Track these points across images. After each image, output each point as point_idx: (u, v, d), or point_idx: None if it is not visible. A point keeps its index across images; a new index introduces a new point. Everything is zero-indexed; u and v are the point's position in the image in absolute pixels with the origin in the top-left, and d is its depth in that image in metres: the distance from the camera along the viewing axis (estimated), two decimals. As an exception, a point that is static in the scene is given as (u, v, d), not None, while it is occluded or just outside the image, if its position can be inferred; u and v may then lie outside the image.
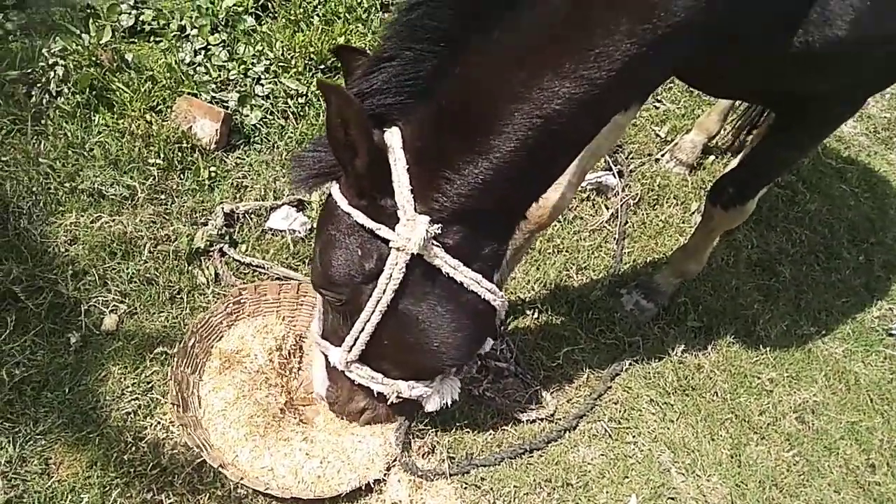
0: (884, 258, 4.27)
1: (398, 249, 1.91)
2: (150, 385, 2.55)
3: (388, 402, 2.37)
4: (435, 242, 1.93)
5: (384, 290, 1.97)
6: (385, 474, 2.49)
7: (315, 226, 2.09)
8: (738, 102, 4.28)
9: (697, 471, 2.73)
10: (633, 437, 2.80)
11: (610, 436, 2.78)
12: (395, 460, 2.54)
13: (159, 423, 2.47)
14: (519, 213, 2.14)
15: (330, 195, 2.01)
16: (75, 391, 2.46)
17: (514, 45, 1.72)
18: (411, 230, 1.86)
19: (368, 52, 2.08)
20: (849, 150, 5.13)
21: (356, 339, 2.11)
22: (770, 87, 2.49)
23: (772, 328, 3.48)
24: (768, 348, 3.36)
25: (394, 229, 1.90)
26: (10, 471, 2.24)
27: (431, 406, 2.42)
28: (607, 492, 2.60)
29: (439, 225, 1.89)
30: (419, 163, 1.84)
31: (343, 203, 1.94)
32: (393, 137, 1.84)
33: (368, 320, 2.05)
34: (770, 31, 2.01)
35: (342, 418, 2.56)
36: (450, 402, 2.47)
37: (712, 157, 4.48)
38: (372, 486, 2.47)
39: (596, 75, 1.70)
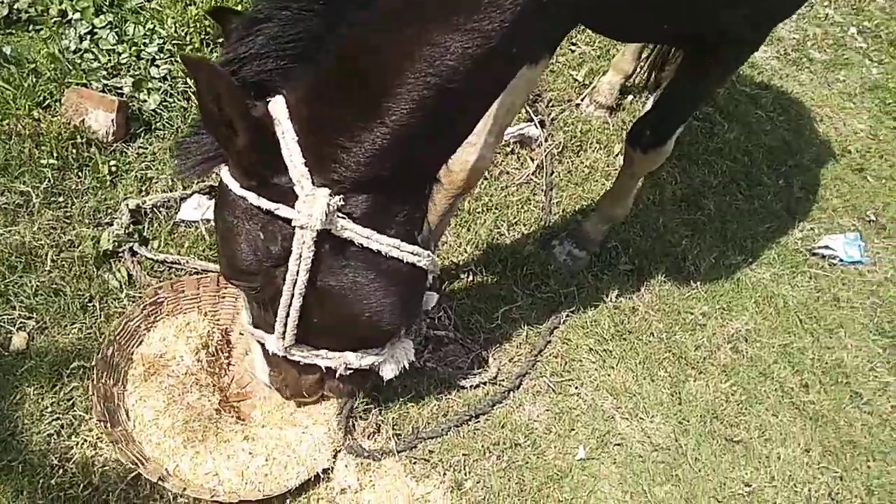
0: (802, 179, 4.38)
1: (302, 227, 1.78)
2: (70, 402, 2.42)
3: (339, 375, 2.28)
4: (340, 214, 1.81)
5: (297, 272, 1.86)
6: (333, 462, 2.44)
7: (214, 214, 1.94)
8: (650, 40, 4.26)
9: (640, 413, 2.77)
10: (576, 388, 2.81)
11: (553, 390, 2.79)
12: (341, 445, 2.49)
13: (85, 440, 2.34)
14: (429, 176, 2.04)
15: (221, 180, 1.84)
16: (-11, 419, 2.31)
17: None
18: (311, 205, 1.73)
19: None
20: (761, 75, 5.20)
21: (285, 325, 2.00)
22: (674, 27, 2.45)
23: (701, 262, 3.54)
24: (699, 282, 3.41)
25: (293, 207, 1.76)
26: (-75, 513, 2.09)
27: (388, 372, 2.35)
28: (555, 447, 2.62)
29: (341, 196, 1.78)
30: (310, 132, 1.71)
31: (235, 186, 1.78)
32: (277, 107, 1.68)
33: (290, 304, 1.93)
34: None
35: (298, 399, 2.47)
36: (406, 365, 2.40)
37: (631, 97, 4.47)
38: (320, 474, 2.42)
39: (488, 27, 1.60)
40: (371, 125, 1.69)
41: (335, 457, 2.47)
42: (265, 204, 1.77)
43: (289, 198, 1.76)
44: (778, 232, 3.96)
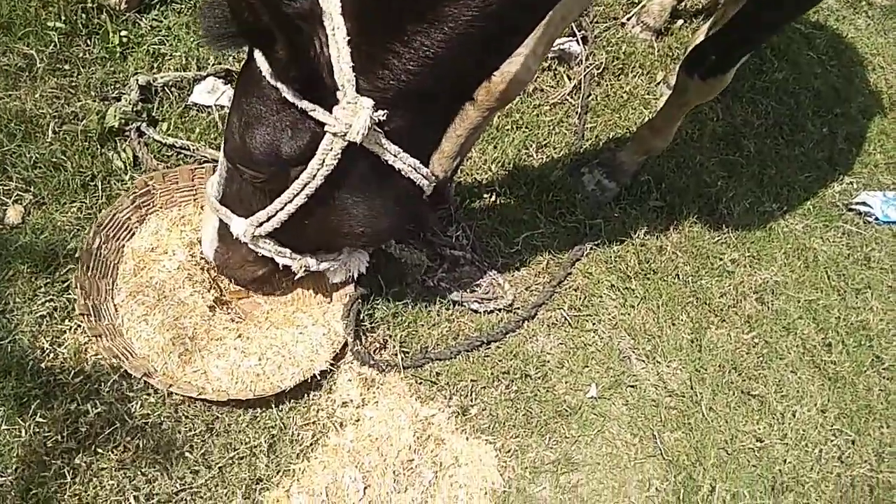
0: (847, 130, 4.14)
1: (335, 135, 1.65)
2: (65, 285, 2.29)
3: (296, 277, 2.23)
4: (377, 129, 1.68)
5: (314, 176, 1.74)
6: (331, 365, 2.33)
7: (238, 92, 1.75)
8: (710, -40, 3.94)
9: (658, 357, 2.66)
10: (593, 324, 2.69)
11: (570, 324, 2.67)
12: (343, 349, 2.39)
13: (79, 326, 2.23)
14: (468, 94, 1.90)
15: (252, 60, 1.66)
16: (-21, 297, 2.19)
17: None
18: (352, 115, 1.60)
19: None
20: (817, 14, 4.85)
21: (271, 218, 1.90)
22: None
23: (734, 206, 3.36)
24: (730, 227, 3.24)
25: (331, 111, 1.62)
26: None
27: (337, 278, 2.34)
28: (566, 382, 2.52)
29: (384, 111, 1.64)
30: (361, 32, 1.53)
31: (269, 74, 1.61)
32: (329, 1, 1.50)
33: (291, 202, 1.83)
34: None
35: (230, 280, 2.41)
36: (356, 276, 2.37)
37: (681, 22, 4.16)
38: (321, 384, 2.33)
39: None
40: (429, 30, 1.53)
41: (335, 360, 2.36)
42: (301, 102, 1.62)
43: (327, 100, 1.62)
44: (816, 182, 3.76)
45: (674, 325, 2.77)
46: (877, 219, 3.69)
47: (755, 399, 2.64)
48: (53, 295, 2.25)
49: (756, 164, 3.67)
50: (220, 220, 2.10)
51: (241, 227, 1.99)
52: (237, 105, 1.77)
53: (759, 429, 2.57)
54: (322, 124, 1.65)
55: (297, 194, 1.80)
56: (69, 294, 2.28)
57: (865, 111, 4.34)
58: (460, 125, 2.85)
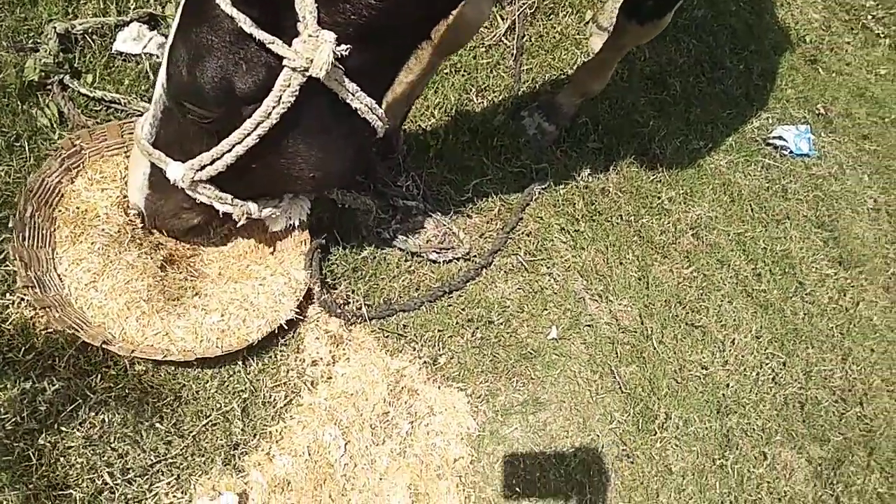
0: (761, 66, 4.33)
1: (294, 70, 1.57)
2: (2, 255, 2.12)
3: (237, 225, 2.10)
4: (337, 64, 1.60)
5: (268, 114, 1.65)
6: (297, 315, 2.29)
7: (182, 24, 1.62)
8: None
9: (609, 296, 2.77)
10: (548, 268, 2.76)
11: (526, 269, 2.73)
12: (306, 298, 2.35)
13: (23, 299, 2.08)
14: (426, 33, 1.86)
15: None
16: None
17: None
18: (313, 49, 1.52)
19: None
20: (729, -49, 4.99)
21: (215, 160, 1.78)
22: None
23: (666, 145, 3.48)
24: (664, 166, 3.37)
25: (290, 45, 1.54)
26: None
27: (277, 226, 2.25)
28: (528, 326, 2.59)
29: (347, 46, 1.57)
30: None
31: (224, 2, 1.50)
32: None
33: (240, 143, 1.72)
34: None
35: (161, 231, 2.27)
36: (296, 223, 2.29)
37: (607, -39, 4.18)
38: (288, 344, 2.29)
39: None
40: None
41: (300, 311, 2.32)
42: (258, 33, 1.52)
43: (286, 32, 1.53)
44: (736, 119, 3.94)
45: (622, 264, 2.88)
46: (791, 152, 3.93)
47: (698, 330, 2.82)
48: (-11, 267, 2.09)
49: (682, 102, 3.80)
50: (152, 166, 1.93)
51: (178, 171, 1.83)
52: (183, 36, 1.63)
53: (704, 357, 2.75)
54: (280, 58, 1.56)
55: (248, 134, 1.70)
56: (7, 266, 2.11)
57: (776, 47, 4.55)
58: (414, 68, 2.79)
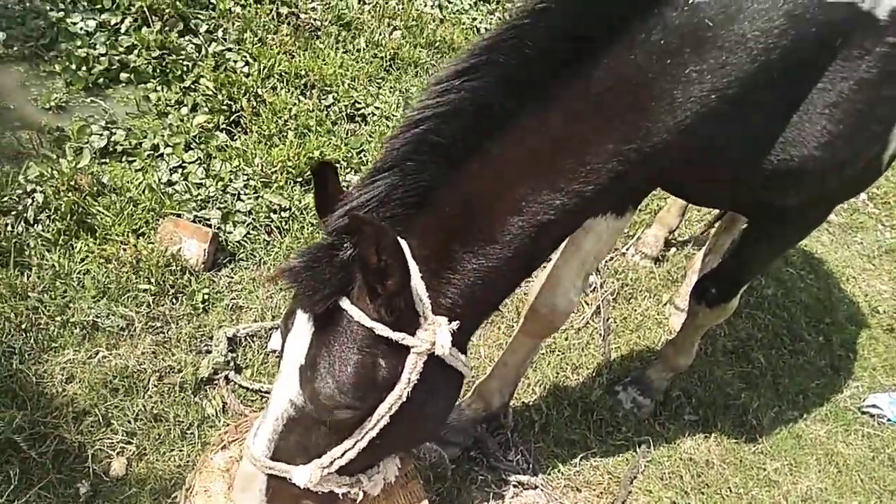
0: (840, 337, 4.54)
1: (419, 354, 1.88)
2: (169, 532, 2.38)
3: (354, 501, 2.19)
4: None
5: (400, 395, 1.91)
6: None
7: (315, 344, 1.91)
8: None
9: (730, 572, 2.74)
10: (663, 542, 2.80)
11: (642, 543, 2.78)
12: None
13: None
14: (501, 301, 2.20)
15: (340, 310, 1.87)
16: (89, 549, 2.27)
17: (515, 162, 1.85)
18: (433, 334, 1.87)
19: (338, 166, 2.12)
20: (788, 234, 5.49)
21: (346, 452, 1.96)
22: (745, 199, 2.63)
23: (762, 416, 3.61)
24: (763, 437, 3.47)
25: (413, 334, 1.88)
26: None
27: (376, 490, 2.28)
28: None
29: (456, 322, 1.92)
30: (426, 269, 1.88)
31: (362, 318, 1.84)
32: (403, 249, 1.82)
33: (374, 427, 1.94)
34: (748, 148, 2.18)
35: None
36: (392, 480, 2.34)
37: (673, 250, 4.71)
38: None
39: (586, 190, 1.88)
40: (477, 264, 1.92)
41: None
42: (392, 334, 1.85)
43: (410, 327, 1.88)
44: (826, 388, 4.07)
45: (738, 538, 2.88)
46: (888, 419, 3.96)
47: None
48: (159, 545, 2.33)
49: (769, 374, 3.99)
50: (269, 478, 2.04)
51: (306, 474, 1.97)
52: (323, 352, 1.89)
53: None
54: (408, 348, 1.87)
55: (381, 418, 1.92)
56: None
57: (851, 318, 4.79)
58: (516, 354, 3.14)
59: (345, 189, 1.95)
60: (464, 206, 1.88)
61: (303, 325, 1.92)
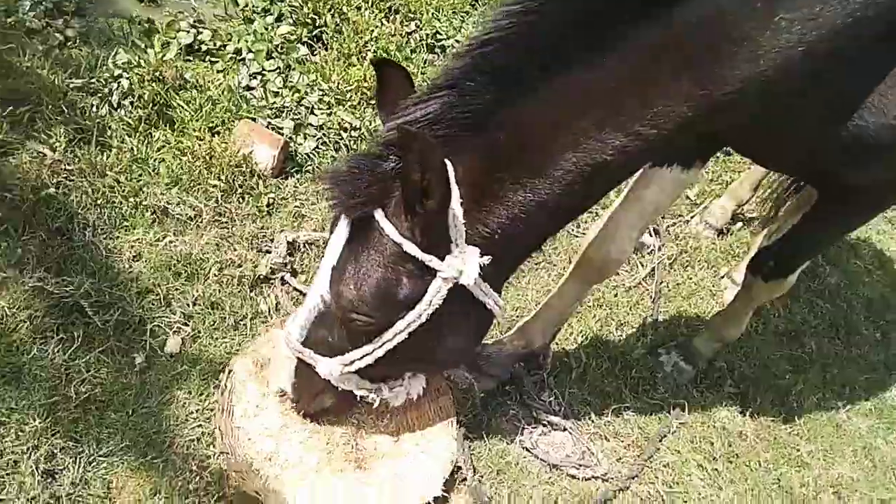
0: (899, 337, 4.40)
1: (445, 279, 1.90)
2: (213, 413, 2.50)
3: (371, 405, 2.32)
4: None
5: (420, 315, 1.95)
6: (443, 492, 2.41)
7: (347, 249, 1.97)
8: (770, 173, 4.40)
9: (747, 541, 2.76)
10: (684, 501, 2.82)
11: (663, 500, 2.80)
12: (460, 482, 2.49)
13: (223, 453, 2.41)
14: (542, 244, 2.19)
15: (374, 221, 1.90)
16: (139, 413, 2.41)
17: (580, 94, 1.79)
18: (462, 262, 1.88)
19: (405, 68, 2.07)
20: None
21: (365, 356, 2.05)
22: (819, 167, 2.49)
23: (803, 400, 3.55)
24: (802, 420, 3.42)
25: (443, 259, 1.88)
26: (73, 493, 2.17)
27: (398, 402, 2.40)
28: (663, 556, 2.61)
29: (488, 256, 1.91)
30: (469, 196, 1.86)
31: (392, 232, 1.87)
32: (448, 171, 1.81)
33: (391, 340, 2.01)
34: (825, 110, 2.08)
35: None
36: (415, 397, 2.43)
37: (739, 224, 4.59)
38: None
39: (650, 133, 1.80)
40: (523, 197, 1.88)
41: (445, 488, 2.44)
42: (420, 255, 1.88)
43: (440, 251, 1.89)
44: (876, 384, 3.96)
45: (760, 511, 2.88)
46: (936, 425, 3.85)
47: None
48: (202, 422, 2.47)
49: (819, 362, 3.90)
50: (299, 361, 2.18)
51: (329, 367, 2.09)
52: (350, 257, 1.95)
53: None
54: (434, 271, 1.89)
55: (399, 333, 1.98)
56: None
57: (914, 320, 4.62)
58: (563, 298, 3.15)
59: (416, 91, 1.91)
60: (519, 135, 1.83)
61: (343, 230, 1.97)
